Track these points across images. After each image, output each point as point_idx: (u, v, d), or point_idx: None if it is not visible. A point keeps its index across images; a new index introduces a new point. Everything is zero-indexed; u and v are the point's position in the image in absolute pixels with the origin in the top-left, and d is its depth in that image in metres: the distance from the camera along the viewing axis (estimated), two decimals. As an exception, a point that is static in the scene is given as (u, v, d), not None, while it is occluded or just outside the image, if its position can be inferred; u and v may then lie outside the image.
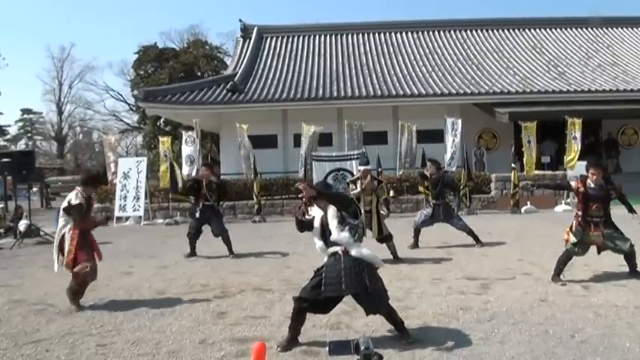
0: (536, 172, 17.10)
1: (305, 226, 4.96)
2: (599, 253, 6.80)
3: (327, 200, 4.71)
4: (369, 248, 4.88)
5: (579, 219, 6.65)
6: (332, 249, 4.68)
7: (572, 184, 6.89)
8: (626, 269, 6.80)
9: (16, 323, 5.68)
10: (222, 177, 10.12)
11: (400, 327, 4.73)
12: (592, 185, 6.54)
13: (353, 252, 4.61)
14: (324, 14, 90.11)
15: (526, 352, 4.37)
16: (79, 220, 6.02)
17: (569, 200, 15.41)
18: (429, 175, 9.91)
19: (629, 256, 6.69)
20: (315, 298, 4.62)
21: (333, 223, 4.63)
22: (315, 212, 4.88)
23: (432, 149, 17.11)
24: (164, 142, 17.79)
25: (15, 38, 78.50)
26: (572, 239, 6.66)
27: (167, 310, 5.97)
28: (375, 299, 4.60)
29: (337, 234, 4.61)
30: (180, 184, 15.32)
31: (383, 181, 9.80)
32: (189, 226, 9.94)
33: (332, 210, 4.66)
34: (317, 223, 4.82)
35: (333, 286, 4.54)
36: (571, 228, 6.74)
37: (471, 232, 9.64)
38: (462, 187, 15.88)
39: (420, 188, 15.37)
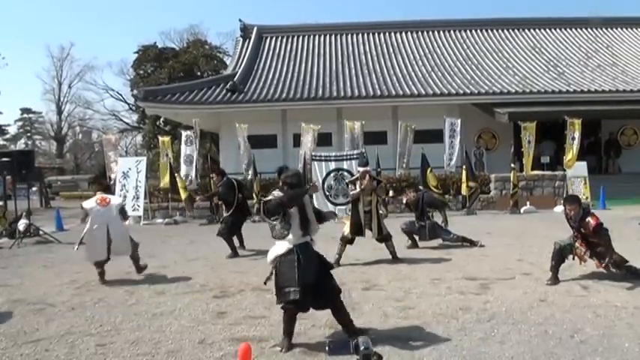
0: (536, 172, 17.12)
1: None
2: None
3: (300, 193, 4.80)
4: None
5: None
6: (306, 237, 4.76)
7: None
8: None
9: (15, 323, 5.68)
10: (224, 180, 10.23)
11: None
12: (570, 216, 6.65)
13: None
14: (324, 14, 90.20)
15: (525, 352, 4.37)
16: None
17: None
18: (405, 202, 10.04)
19: (632, 273, 6.67)
20: (305, 296, 4.62)
21: (311, 211, 4.83)
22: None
23: (432, 149, 17.11)
24: (164, 142, 17.78)
25: (15, 38, 78.55)
26: (562, 239, 6.81)
27: (166, 309, 5.97)
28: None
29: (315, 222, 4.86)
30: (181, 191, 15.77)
31: (382, 181, 9.80)
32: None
33: (308, 198, 4.86)
34: (296, 212, 4.73)
35: (312, 271, 4.64)
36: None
37: (464, 239, 9.66)
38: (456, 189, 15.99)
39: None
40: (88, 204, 7.64)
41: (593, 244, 6.56)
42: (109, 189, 8.39)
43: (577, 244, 6.67)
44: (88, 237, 7.56)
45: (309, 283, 4.58)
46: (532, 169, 17.06)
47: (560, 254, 6.72)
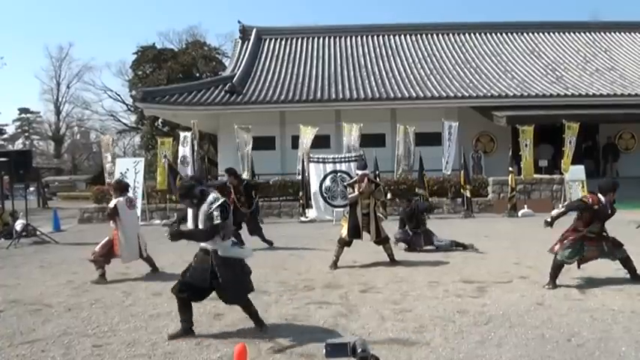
0: (533, 175, 17.13)
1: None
2: (583, 263, 6.83)
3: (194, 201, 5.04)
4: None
5: (577, 234, 6.60)
6: (202, 244, 5.06)
7: (588, 200, 6.63)
8: (623, 273, 6.81)
9: (12, 323, 5.66)
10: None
11: (255, 318, 5.18)
12: (603, 203, 6.58)
13: (220, 251, 4.96)
14: (323, 16, 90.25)
15: (522, 356, 4.37)
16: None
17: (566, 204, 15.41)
18: (404, 216, 10.04)
19: (626, 262, 6.70)
20: (190, 287, 5.03)
21: (202, 220, 4.98)
22: (190, 211, 5.14)
23: (430, 152, 17.14)
24: (164, 143, 17.74)
25: (13, 38, 78.41)
26: (564, 253, 6.61)
27: (163, 311, 5.96)
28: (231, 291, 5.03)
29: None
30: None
31: (381, 184, 9.80)
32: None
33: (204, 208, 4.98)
34: (192, 216, 5.07)
35: (197, 277, 4.97)
36: (563, 240, 6.69)
37: (457, 244, 9.69)
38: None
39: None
40: (120, 204, 7.84)
41: (604, 230, 6.62)
42: (128, 189, 8.47)
43: (586, 248, 6.57)
44: (123, 238, 7.79)
45: (190, 284, 5.01)
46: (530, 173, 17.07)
47: (562, 266, 6.67)
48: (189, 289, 5.02)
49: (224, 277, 4.89)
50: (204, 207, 4.93)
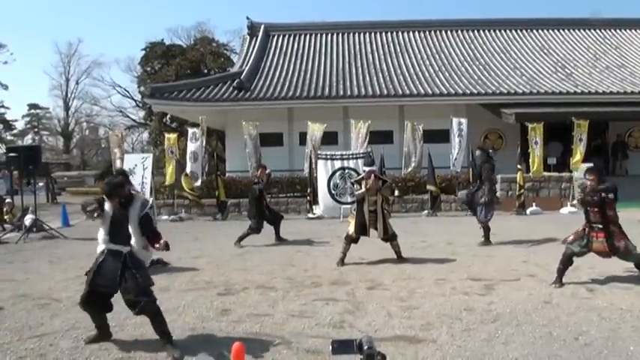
0: (542, 173, 17.02)
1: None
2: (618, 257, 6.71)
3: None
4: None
5: (585, 224, 6.62)
6: (115, 246, 4.71)
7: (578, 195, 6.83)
8: (631, 272, 6.75)
9: (21, 317, 5.71)
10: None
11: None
12: (589, 191, 6.56)
13: (138, 255, 4.82)
14: (331, 13, 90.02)
15: (529, 354, 4.35)
16: None
17: (575, 202, 15.31)
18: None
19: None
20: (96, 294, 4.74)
21: (135, 225, 4.76)
22: (108, 207, 4.72)
23: (438, 149, 17.07)
24: (169, 139, 17.80)
25: (23, 34, 78.93)
26: (570, 241, 6.65)
27: (171, 306, 5.97)
28: (147, 299, 4.65)
29: (139, 237, 4.80)
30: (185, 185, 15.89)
31: (388, 181, 9.76)
32: (253, 227, 10.34)
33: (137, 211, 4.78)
34: (109, 217, 4.70)
35: (108, 283, 4.65)
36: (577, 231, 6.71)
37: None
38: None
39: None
40: None
41: (607, 220, 6.49)
42: None
43: (594, 239, 6.49)
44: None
45: (101, 290, 4.73)
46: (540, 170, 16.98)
47: (570, 259, 6.62)
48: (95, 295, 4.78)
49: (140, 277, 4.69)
50: (135, 210, 4.76)
